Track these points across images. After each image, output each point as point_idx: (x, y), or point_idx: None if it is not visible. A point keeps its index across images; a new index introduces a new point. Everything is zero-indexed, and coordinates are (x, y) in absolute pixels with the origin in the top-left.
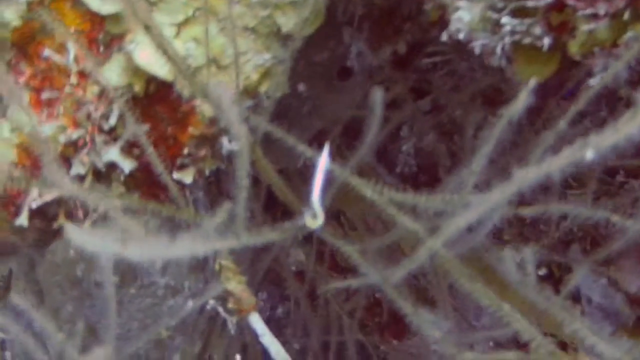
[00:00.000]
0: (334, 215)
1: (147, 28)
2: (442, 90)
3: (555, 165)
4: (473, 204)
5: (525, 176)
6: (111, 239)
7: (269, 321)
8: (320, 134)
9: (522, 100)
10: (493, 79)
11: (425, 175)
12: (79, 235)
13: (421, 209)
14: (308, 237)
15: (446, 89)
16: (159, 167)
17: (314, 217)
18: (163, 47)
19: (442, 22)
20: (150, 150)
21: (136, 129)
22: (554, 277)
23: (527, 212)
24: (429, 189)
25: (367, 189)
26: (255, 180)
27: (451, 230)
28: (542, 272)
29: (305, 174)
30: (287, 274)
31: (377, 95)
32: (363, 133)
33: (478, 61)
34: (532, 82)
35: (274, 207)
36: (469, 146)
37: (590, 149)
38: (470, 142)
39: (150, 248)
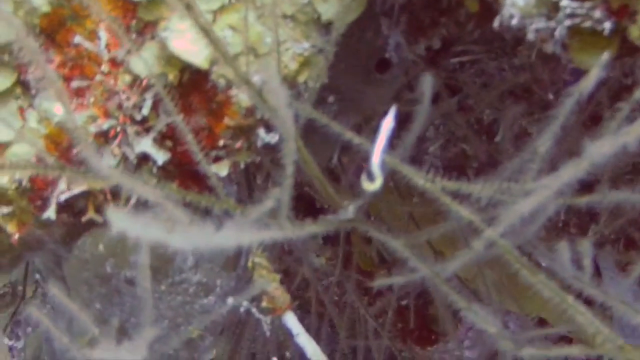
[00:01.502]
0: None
1: (188, 8)
2: (471, 89)
3: (634, 134)
4: (538, 187)
5: (600, 149)
6: (155, 225)
7: None
8: (355, 129)
9: (594, 75)
10: (524, 78)
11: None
12: (121, 220)
13: (473, 199)
14: (328, 241)
15: (475, 88)
16: (197, 154)
17: (372, 181)
18: (204, 29)
19: (481, 15)
20: (188, 136)
21: (172, 117)
22: None
23: (582, 201)
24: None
25: (419, 178)
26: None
27: (512, 218)
28: None
29: (336, 173)
30: (311, 277)
31: (427, 81)
32: (401, 127)
33: (507, 61)
34: (606, 56)
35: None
36: (503, 146)
37: None
38: (506, 141)
39: (194, 236)
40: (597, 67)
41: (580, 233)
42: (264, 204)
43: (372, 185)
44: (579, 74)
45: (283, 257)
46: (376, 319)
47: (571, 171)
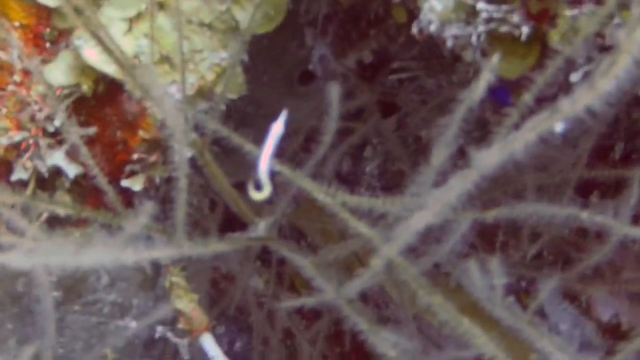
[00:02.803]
0: (295, 237)
1: (77, 14)
2: (409, 107)
3: (520, 141)
4: (430, 201)
5: (487, 159)
6: None
7: (227, 356)
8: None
9: (483, 80)
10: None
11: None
12: None
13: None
14: (266, 262)
15: (413, 106)
16: (92, 169)
17: (260, 189)
18: (102, 41)
19: (410, 26)
20: (83, 149)
21: (77, 133)
22: (522, 305)
23: (492, 214)
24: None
25: (319, 192)
26: (213, 203)
27: (408, 235)
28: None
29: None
30: (250, 302)
31: (334, 91)
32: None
33: (446, 77)
34: (496, 58)
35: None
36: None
37: (560, 119)
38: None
39: (47, 255)
40: (486, 72)
41: (518, 253)
42: (137, 220)
43: (260, 194)
44: (505, 89)
45: (218, 279)
46: (312, 343)
47: (460, 183)
